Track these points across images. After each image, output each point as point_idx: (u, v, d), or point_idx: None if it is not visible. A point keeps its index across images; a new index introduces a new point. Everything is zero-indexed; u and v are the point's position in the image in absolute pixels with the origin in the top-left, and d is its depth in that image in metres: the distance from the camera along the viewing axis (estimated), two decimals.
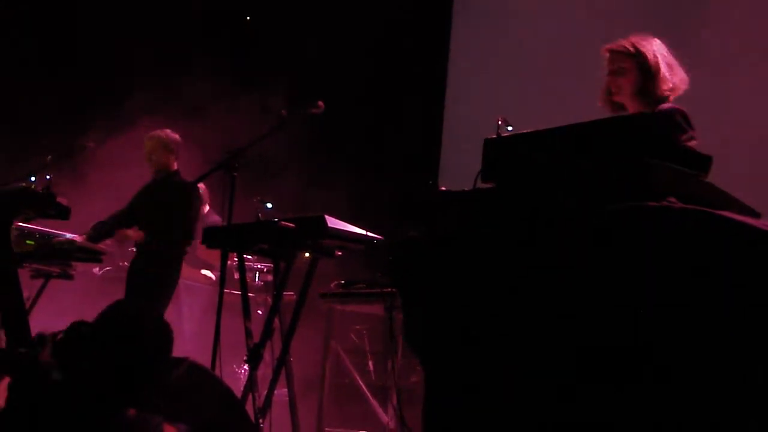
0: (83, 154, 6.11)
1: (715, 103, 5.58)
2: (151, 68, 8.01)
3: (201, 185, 6.72)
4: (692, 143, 3.31)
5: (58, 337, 2.74)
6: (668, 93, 3.61)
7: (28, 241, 5.34)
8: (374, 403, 5.63)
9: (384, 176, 7.62)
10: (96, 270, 7.10)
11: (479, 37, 7.90)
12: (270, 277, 6.59)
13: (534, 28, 7.39)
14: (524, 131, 2.89)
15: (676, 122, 3.21)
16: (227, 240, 4.77)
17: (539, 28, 7.35)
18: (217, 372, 4.25)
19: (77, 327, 2.74)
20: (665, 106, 3.58)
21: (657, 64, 3.59)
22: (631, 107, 3.66)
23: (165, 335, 2.78)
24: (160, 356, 2.74)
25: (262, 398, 4.52)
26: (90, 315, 2.85)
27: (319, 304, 5.58)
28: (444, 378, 2.83)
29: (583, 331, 2.52)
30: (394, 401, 5.02)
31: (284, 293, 4.76)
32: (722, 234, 2.36)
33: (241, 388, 4.73)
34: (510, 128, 3.06)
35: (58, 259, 5.53)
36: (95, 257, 5.69)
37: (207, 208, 7.68)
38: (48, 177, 4.92)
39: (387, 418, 5.49)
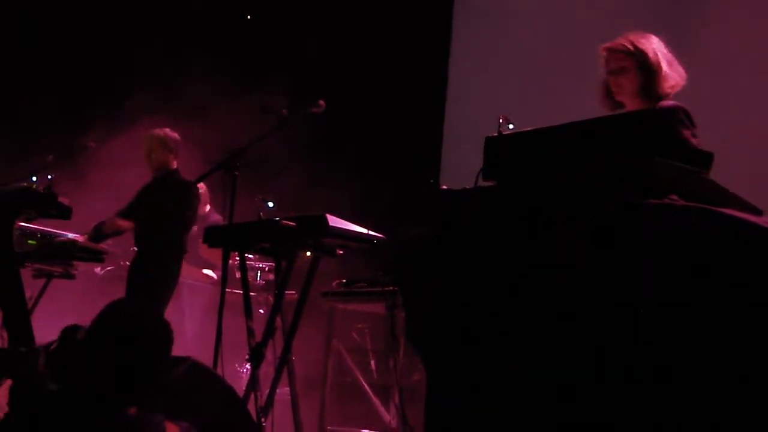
0: (84, 153, 6.11)
1: (716, 103, 5.59)
2: (152, 68, 8.01)
3: (201, 185, 6.72)
4: (694, 140, 3.32)
5: (52, 347, 2.74)
6: (669, 90, 3.61)
7: (29, 241, 5.34)
8: (376, 401, 5.63)
9: (385, 175, 7.63)
10: (98, 270, 7.10)
11: (480, 37, 7.90)
12: (271, 276, 6.58)
13: (534, 28, 7.40)
14: (525, 129, 2.89)
15: (677, 119, 3.21)
16: (229, 239, 4.78)
17: (540, 28, 7.35)
18: (219, 371, 4.25)
19: (70, 333, 2.74)
20: (667, 102, 3.58)
21: (658, 62, 3.59)
22: (632, 106, 3.65)
23: (165, 334, 2.78)
24: (160, 355, 2.74)
25: (264, 397, 4.52)
26: (92, 315, 2.85)
27: (321, 303, 5.58)
28: (446, 377, 2.83)
29: (584, 331, 2.52)
30: (396, 400, 5.02)
31: (286, 292, 4.77)
32: (724, 231, 2.36)
33: (243, 387, 4.74)
34: (511, 126, 3.06)
35: (60, 258, 5.54)
36: (97, 257, 5.70)
37: (208, 207, 7.68)
38: (49, 177, 4.93)
39: (389, 416, 5.50)
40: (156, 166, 6.29)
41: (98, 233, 6.00)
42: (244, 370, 6.46)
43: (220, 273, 6.40)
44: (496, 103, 6.89)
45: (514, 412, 2.63)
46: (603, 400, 2.47)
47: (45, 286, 5.72)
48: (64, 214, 4.72)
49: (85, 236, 5.81)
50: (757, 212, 2.66)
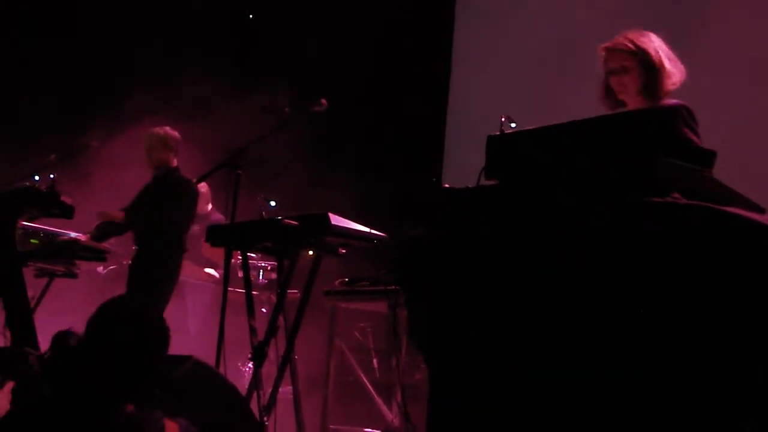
0: (87, 152, 6.11)
1: (716, 103, 5.59)
2: (152, 68, 8.02)
3: (203, 184, 6.73)
4: (696, 138, 3.32)
5: (46, 357, 2.75)
6: (671, 87, 3.62)
7: (32, 240, 5.34)
8: (379, 400, 5.63)
9: (386, 175, 7.63)
10: (100, 269, 7.11)
11: (481, 36, 7.90)
12: (274, 275, 6.59)
13: (536, 27, 7.40)
14: (527, 128, 2.90)
15: (680, 117, 3.21)
16: (231, 238, 4.78)
17: (541, 27, 7.35)
18: (221, 370, 4.25)
19: (62, 339, 2.74)
20: (669, 101, 3.58)
21: (660, 59, 3.60)
22: (634, 104, 3.65)
23: (162, 330, 2.78)
24: (158, 351, 2.74)
25: (267, 396, 4.52)
26: None
27: (323, 302, 5.59)
28: (448, 376, 2.84)
29: (585, 331, 2.53)
30: (399, 399, 5.02)
31: (288, 291, 4.77)
32: (727, 230, 2.37)
33: (246, 386, 4.73)
34: (513, 125, 3.07)
35: (63, 257, 5.54)
36: (99, 256, 5.70)
37: (210, 206, 7.69)
38: (52, 176, 4.93)
39: (391, 415, 5.50)
40: (156, 164, 6.29)
41: (100, 232, 6.00)
42: (247, 369, 6.47)
43: (222, 272, 6.41)
44: (498, 101, 6.90)
45: (514, 411, 2.63)
46: (603, 400, 2.47)
47: (47, 286, 5.72)
48: (66, 213, 4.72)
49: (88, 235, 5.82)
50: (760, 210, 2.66)
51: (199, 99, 7.68)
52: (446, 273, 2.85)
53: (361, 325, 6.36)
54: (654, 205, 2.47)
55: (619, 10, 6.69)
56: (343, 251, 4.68)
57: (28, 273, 5.24)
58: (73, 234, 5.61)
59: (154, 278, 6.00)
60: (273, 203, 4.85)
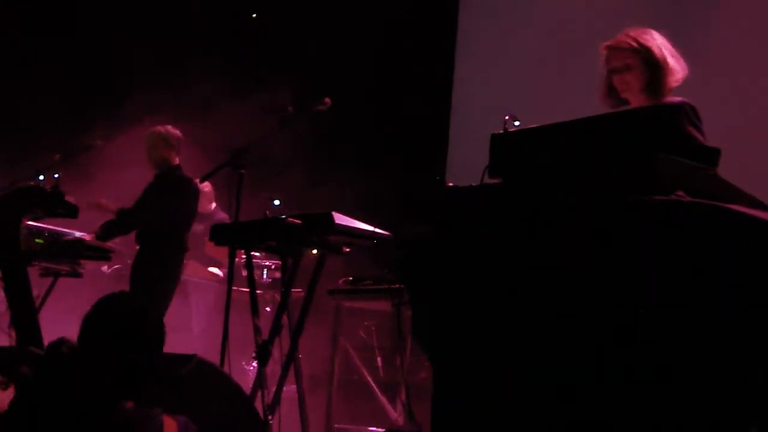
0: (92, 152, 6.11)
1: (716, 102, 5.59)
2: (155, 67, 8.02)
3: (207, 183, 6.73)
4: (700, 136, 3.31)
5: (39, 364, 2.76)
6: (675, 84, 3.61)
7: (37, 240, 5.35)
8: (383, 399, 5.63)
9: (389, 173, 7.63)
10: (105, 268, 7.12)
11: (485, 34, 7.90)
12: (278, 274, 6.60)
13: (539, 25, 7.40)
14: (531, 126, 2.89)
15: (684, 115, 3.20)
16: (235, 237, 4.78)
17: (545, 25, 7.35)
18: (225, 369, 4.26)
19: (56, 349, 2.75)
20: (673, 99, 3.58)
21: (664, 57, 3.60)
22: (637, 102, 3.65)
23: (157, 326, 2.78)
24: (154, 347, 2.74)
25: (271, 395, 4.52)
26: None
27: (327, 301, 5.58)
28: (452, 375, 2.84)
29: (587, 330, 2.52)
30: (403, 397, 5.02)
31: (292, 290, 4.77)
32: (732, 227, 2.36)
33: (250, 385, 4.74)
34: (517, 123, 3.06)
35: (67, 257, 5.55)
36: (104, 255, 5.70)
37: (214, 205, 7.70)
38: (56, 176, 4.94)
39: (396, 414, 5.50)
40: (157, 162, 6.28)
41: (105, 232, 6.00)
42: (251, 368, 6.47)
43: (226, 271, 6.41)
44: (501, 100, 6.90)
45: (516, 411, 2.63)
46: (603, 400, 2.46)
47: (52, 285, 5.73)
48: (71, 212, 4.72)
49: (92, 235, 5.82)
50: (765, 208, 2.66)
51: (201, 99, 7.69)
52: (450, 272, 2.85)
53: (366, 323, 6.37)
54: (658, 203, 2.46)
55: (622, 9, 6.68)
56: (347, 250, 4.69)
57: (33, 272, 5.24)
58: (77, 233, 5.61)
59: (155, 277, 5.99)
60: (277, 202, 4.85)
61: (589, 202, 2.58)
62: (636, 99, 3.65)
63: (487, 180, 2.89)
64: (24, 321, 4.51)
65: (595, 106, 3.69)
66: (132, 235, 6.41)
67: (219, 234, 4.91)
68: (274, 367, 5.03)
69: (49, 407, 2.61)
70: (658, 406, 2.38)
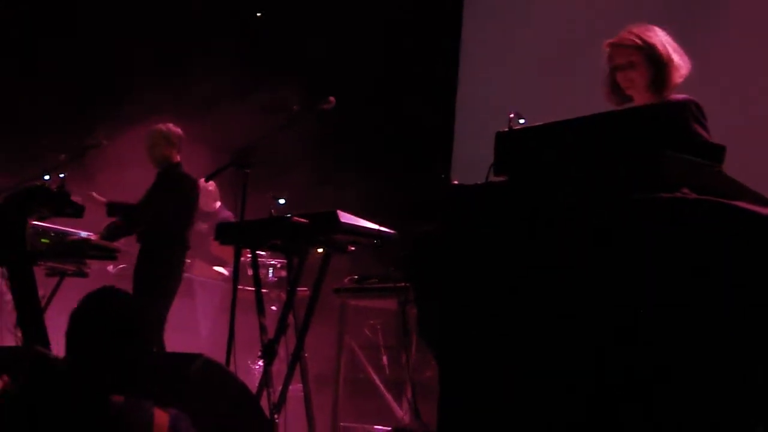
0: (97, 150, 6.12)
1: (717, 102, 5.59)
2: (158, 67, 8.03)
3: (212, 182, 6.72)
4: (705, 134, 3.31)
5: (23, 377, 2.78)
6: (679, 80, 3.61)
7: (43, 240, 5.35)
8: (389, 397, 5.63)
9: (394, 172, 7.63)
10: (110, 268, 7.12)
11: (490, 32, 7.89)
12: (283, 273, 6.60)
13: (545, 22, 7.38)
14: (536, 124, 2.89)
15: (689, 112, 3.20)
16: (240, 236, 4.79)
17: (550, 22, 7.34)
18: (231, 368, 4.26)
19: (38, 364, 2.76)
20: (678, 96, 3.57)
21: (668, 53, 3.59)
22: (642, 99, 3.64)
23: (144, 319, 2.77)
24: (140, 340, 2.74)
25: (277, 394, 4.53)
26: None
27: (333, 300, 5.58)
28: (458, 373, 2.84)
29: (594, 329, 2.52)
30: (409, 396, 5.02)
31: (298, 289, 4.77)
32: (737, 224, 2.36)
33: (256, 384, 4.74)
34: (522, 121, 3.06)
35: (73, 257, 5.55)
36: (110, 255, 5.71)
37: (218, 204, 7.71)
38: (62, 176, 4.94)
39: (402, 412, 5.50)
40: (158, 160, 6.28)
41: (111, 232, 6.00)
42: (257, 367, 6.48)
43: (231, 270, 6.41)
44: (506, 98, 6.89)
45: (522, 409, 2.63)
46: (603, 400, 2.46)
47: (58, 285, 5.74)
48: (76, 212, 4.74)
49: (98, 236, 5.82)
50: None
51: (205, 98, 7.69)
52: (455, 270, 2.85)
53: (371, 322, 6.36)
54: (663, 200, 2.46)
55: (628, 7, 6.67)
56: (353, 248, 4.69)
57: (38, 272, 5.24)
58: (83, 233, 5.62)
59: (157, 275, 5.98)
60: (282, 201, 4.84)
61: (594, 199, 2.58)
62: (640, 96, 3.64)
63: (493, 178, 2.89)
64: (30, 321, 4.52)
65: (602, 103, 3.69)
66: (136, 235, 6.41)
67: (224, 233, 4.92)
68: (279, 366, 5.04)
69: (39, 404, 2.61)
70: (658, 406, 2.38)
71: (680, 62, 3.61)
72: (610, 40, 3.69)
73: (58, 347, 3.10)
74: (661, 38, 3.62)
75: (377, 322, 6.34)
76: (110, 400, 2.61)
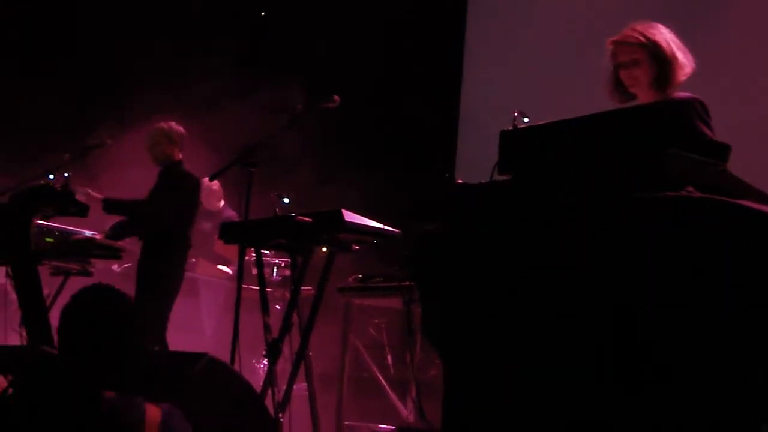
0: (100, 150, 6.12)
1: (718, 101, 5.59)
2: (160, 66, 8.03)
3: (216, 181, 6.73)
4: (710, 132, 3.30)
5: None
6: (683, 77, 3.60)
7: (47, 239, 5.36)
8: (393, 396, 5.63)
9: (398, 171, 7.63)
10: (115, 267, 7.13)
11: (494, 30, 7.89)
12: (288, 272, 6.59)
13: (549, 21, 7.38)
14: (540, 123, 2.89)
15: (693, 111, 3.19)
16: (245, 235, 4.79)
17: (554, 21, 7.33)
18: (236, 367, 4.26)
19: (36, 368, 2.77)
20: (682, 94, 3.56)
21: (672, 51, 3.58)
22: (645, 97, 3.63)
23: (132, 315, 2.77)
24: (130, 336, 2.74)
25: (282, 393, 4.53)
26: None
27: (337, 299, 5.58)
28: (462, 372, 2.84)
29: (597, 328, 2.52)
30: (414, 395, 5.02)
31: (302, 288, 4.77)
32: (741, 222, 2.35)
33: (261, 383, 4.75)
34: (526, 120, 3.06)
35: (77, 256, 5.56)
36: (114, 254, 5.71)
37: (222, 203, 7.71)
38: (66, 175, 4.95)
39: (406, 411, 5.50)
40: (159, 158, 6.27)
41: (116, 232, 6.00)
42: (262, 366, 6.48)
43: (235, 269, 6.41)
44: (510, 97, 6.88)
45: (523, 408, 2.63)
46: (603, 400, 2.46)
47: (63, 284, 5.74)
48: (81, 211, 4.75)
49: (102, 235, 5.83)
50: None
51: (207, 98, 7.69)
52: (460, 269, 2.85)
53: (376, 321, 6.36)
54: (667, 199, 2.46)
55: (633, 5, 6.66)
56: (357, 247, 4.69)
57: (43, 271, 5.26)
58: (88, 232, 5.62)
59: (158, 274, 5.96)
60: (287, 200, 4.84)
61: (599, 198, 2.58)
62: (644, 94, 3.63)
63: (497, 177, 2.89)
64: (35, 320, 4.53)
65: (606, 101, 3.68)
66: None
67: (228, 232, 4.92)
68: (284, 365, 5.03)
69: (31, 402, 2.62)
70: (658, 406, 2.38)
71: (684, 60, 3.60)
72: (614, 38, 3.68)
73: None
74: (664, 35, 3.61)
75: (382, 321, 6.34)
76: (102, 396, 2.61)
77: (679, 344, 2.38)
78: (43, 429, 2.57)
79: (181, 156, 6.28)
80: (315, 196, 6.86)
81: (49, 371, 2.72)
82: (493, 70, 7.74)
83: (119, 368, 2.68)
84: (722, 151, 2.73)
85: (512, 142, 2.87)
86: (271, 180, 5.47)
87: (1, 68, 7.95)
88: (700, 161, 2.61)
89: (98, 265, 5.95)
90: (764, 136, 5.93)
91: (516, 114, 3.06)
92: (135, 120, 7.13)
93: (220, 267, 7.49)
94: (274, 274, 6.93)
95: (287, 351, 4.69)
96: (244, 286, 4.78)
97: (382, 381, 5.74)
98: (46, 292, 4.83)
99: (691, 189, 2.48)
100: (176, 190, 6.13)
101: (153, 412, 2.65)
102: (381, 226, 4.49)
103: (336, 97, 4.80)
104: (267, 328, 4.66)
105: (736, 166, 2.75)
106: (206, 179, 6.16)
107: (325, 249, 4.76)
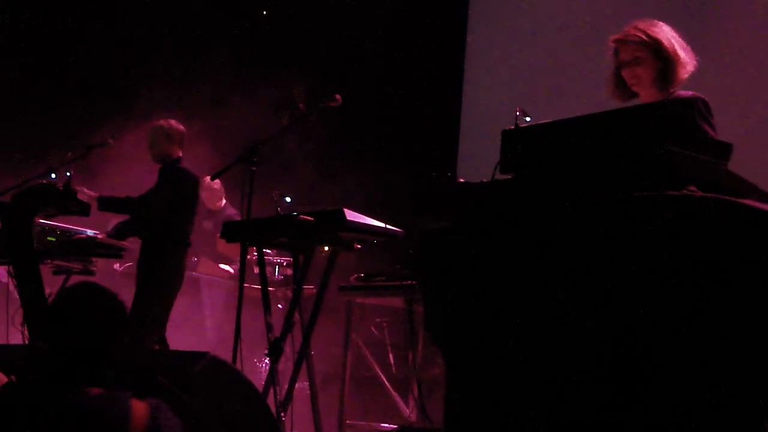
0: (103, 149, 6.12)
1: (719, 101, 5.59)
2: (162, 65, 8.03)
3: (217, 180, 6.73)
4: (712, 131, 3.30)
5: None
6: (685, 75, 3.59)
7: (49, 238, 5.36)
8: (395, 395, 5.64)
9: (400, 170, 7.63)
10: (117, 266, 7.13)
11: (496, 29, 7.89)
12: (289, 271, 6.60)
13: (551, 20, 7.38)
14: (542, 122, 2.89)
15: (696, 109, 3.19)
16: (247, 234, 4.79)
17: (556, 19, 7.33)
18: (238, 366, 4.27)
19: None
20: (685, 93, 3.56)
21: (674, 49, 3.57)
22: (647, 95, 3.63)
23: (118, 311, 2.77)
24: (115, 332, 2.74)
25: (284, 392, 4.54)
26: None
27: (339, 298, 5.59)
28: (465, 370, 2.84)
29: (598, 327, 2.52)
30: (416, 393, 5.03)
31: (304, 287, 4.78)
32: (744, 221, 2.35)
33: (263, 382, 4.75)
34: (528, 119, 3.06)
35: (79, 255, 5.56)
36: (116, 253, 5.71)
37: (224, 202, 7.72)
38: (68, 174, 4.95)
39: (408, 410, 5.51)
40: (158, 156, 6.26)
41: (119, 231, 6.00)
42: (264, 365, 6.49)
43: (237, 268, 6.41)
44: (512, 96, 6.89)
45: (525, 407, 2.63)
46: (603, 400, 2.46)
47: (65, 283, 5.74)
48: (83, 210, 4.75)
49: (104, 235, 5.83)
50: None
51: (210, 97, 7.70)
52: (462, 267, 2.85)
53: (378, 320, 6.37)
54: (669, 198, 2.45)
55: (630, 5, 6.67)
56: (359, 246, 4.69)
57: (45, 270, 5.26)
58: (90, 231, 5.63)
59: (157, 272, 5.95)
60: (288, 199, 4.85)
61: (601, 197, 2.57)
62: (646, 92, 3.62)
63: (499, 176, 2.88)
64: (36, 318, 4.53)
65: (606, 101, 3.68)
66: None
67: (230, 231, 4.92)
68: (286, 364, 5.05)
69: (15, 398, 2.62)
70: (658, 405, 2.38)
71: (686, 58, 3.59)
72: (616, 36, 3.67)
73: None
74: (666, 34, 3.60)
75: (384, 320, 6.35)
76: (87, 391, 2.62)
77: (681, 344, 2.38)
78: (23, 424, 2.57)
79: (180, 154, 6.26)
80: (317, 195, 6.88)
81: (35, 367, 2.72)
82: (495, 69, 7.74)
83: (103, 364, 2.68)
84: (724, 150, 2.72)
85: (514, 141, 2.86)
86: (273, 179, 5.48)
87: (3, 68, 7.96)
88: (702, 160, 2.61)
89: (100, 264, 5.95)
90: (766, 135, 5.93)
91: (518, 113, 3.06)
92: (137, 119, 7.13)
93: (222, 266, 7.50)
94: (276, 273, 6.94)
95: (289, 350, 4.70)
96: (246, 285, 4.79)
97: (384, 380, 5.74)
98: (48, 291, 4.83)
99: (693, 188, 2.48)
100: (174, 188, 6.11)
101: (139, 407, 2.65)
102: (383, 225, 4.49)
103: (338, 96, 4.80)
104: (269, 327, 4.66)
105: (738, 164, 2.75)
106: (208, 178, 6.17)
107: (327, 248, 4.76)
